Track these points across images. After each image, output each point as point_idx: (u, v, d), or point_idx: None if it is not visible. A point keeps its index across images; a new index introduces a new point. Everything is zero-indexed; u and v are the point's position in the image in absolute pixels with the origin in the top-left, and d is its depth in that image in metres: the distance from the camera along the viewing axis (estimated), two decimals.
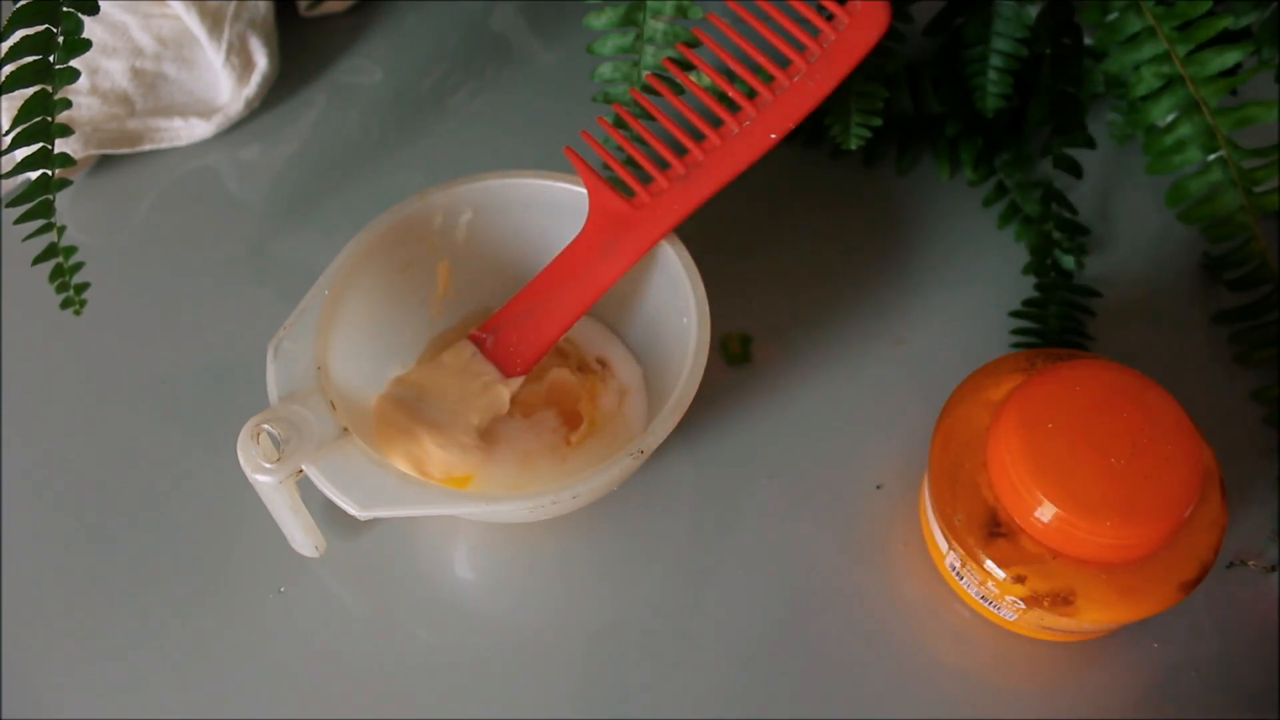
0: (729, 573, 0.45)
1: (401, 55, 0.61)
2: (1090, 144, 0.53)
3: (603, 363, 0.48)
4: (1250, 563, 0.45)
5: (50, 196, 0.44)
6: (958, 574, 0.42)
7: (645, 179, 0.44)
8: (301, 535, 0.41)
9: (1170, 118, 0.49)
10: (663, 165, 0.44)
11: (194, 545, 0.45)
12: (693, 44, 0.47)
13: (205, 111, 0.57)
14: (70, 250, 0.45)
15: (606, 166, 0.46)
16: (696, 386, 0.40)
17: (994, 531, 0.40)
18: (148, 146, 0.56)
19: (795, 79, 0.43)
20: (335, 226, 0.49)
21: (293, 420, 0.38)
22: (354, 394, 0.42)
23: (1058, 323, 0.50)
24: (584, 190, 0.44)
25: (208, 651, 0.43)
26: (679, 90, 0.47)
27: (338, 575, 0.45)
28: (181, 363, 0.50)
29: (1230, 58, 0.47)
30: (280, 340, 0.41)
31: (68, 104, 0.43)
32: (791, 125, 0.43)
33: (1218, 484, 0.41)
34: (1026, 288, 0.52)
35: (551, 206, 0.46)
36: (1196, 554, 0.39)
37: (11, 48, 0.41)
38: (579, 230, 0.44)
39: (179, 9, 0.56)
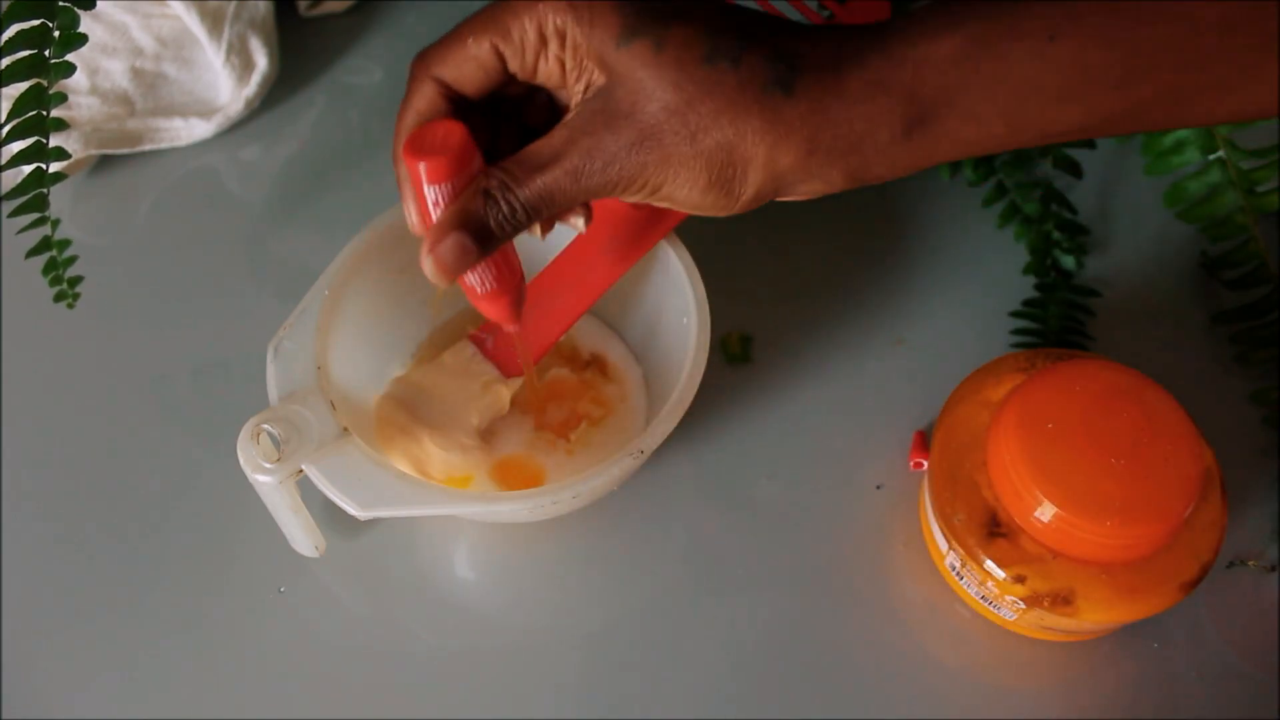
0: (728, 572, 0.45)
1: (401, 55, 0.61)
2: (1090, 144, 0.53)
3: (601, 361, 0.48)
4: (1250, 563, 0.45)
5: (44, 190, 0.44)
6: (958, 574, 0.42)
7: None
8: (301, 535, 0.41)
9: None
10: None
11: (194, 545, 0.45)
12: None
13: (205, 111, 0.57)
14: (64, 244, 0.45)
15: None
16: (696, 386, 0.40)
17: (994, 531, 0.40)
18: (148, 146, 0.56)
19: None
20: (335, 226, 0.49)
21: (293, 420, 0.38)
22: (354, 394, 0.42)
23: (1058, 323, 0.50)
24: None
25: (208, 650, 0.43)
26: None
27: (338, 575, 0.45)
28: (181, 362, 0.50)
29: None
30: (280, 340, 0.41)
31: (63, 98, 0.43)
32: None
33: (1218, 484, 0.41)
34: (1026, 288, 0.52)
35: None
36: (1196, 554, 0.39)
37: (7, 42, 0.41)
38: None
39: (179, 9, 0.56)
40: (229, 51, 0.57)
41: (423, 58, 0.35)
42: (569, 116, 0.33)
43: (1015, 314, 0.51)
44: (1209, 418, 0.41)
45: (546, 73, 0.34)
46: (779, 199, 0.34)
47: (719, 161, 0.32)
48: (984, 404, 0.43)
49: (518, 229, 0.34)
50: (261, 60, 0.57)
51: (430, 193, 0.34)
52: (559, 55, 0.33)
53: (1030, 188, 0.54)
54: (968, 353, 0.48)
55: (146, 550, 0.45)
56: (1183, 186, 0.51)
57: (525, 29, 0.33)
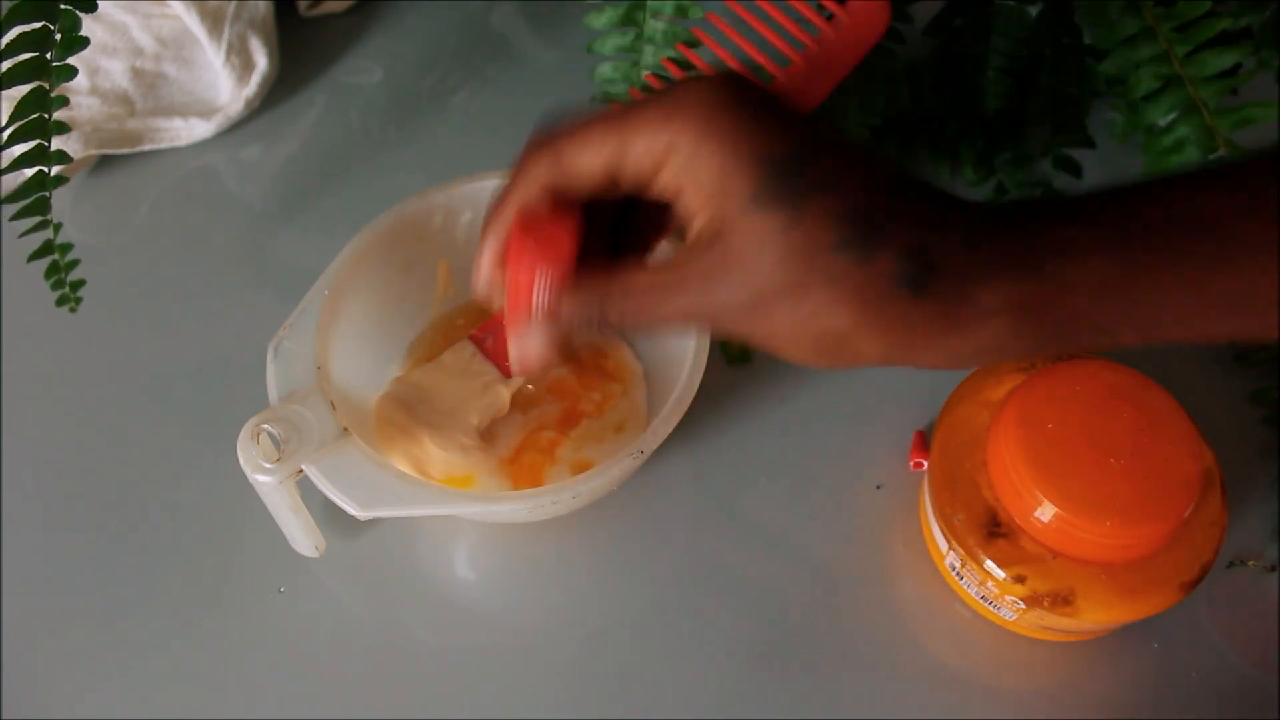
0: (728, 573, 0.45)
1: (401, 55, 0.61)
2: (1090, 144, 0.53)
3: (602, 360, 0.48)
4: (1250, 563, 0.45)
5: (46, 193, 0.44)
6: (958, 574, 0.42)
7: None
8: (301, 535, 0.41)
9: (1170, 118, 0.49)
10: None
11: (194, 545, 0.45)
12: (693, 44, 0.47)
13: (205, 111, 0.57)
14: (66, 247, 0.45)
15: None
16: (696, 386, 0.40)
17: (994, 531, 0.40)
18: (148, 146, 0.56)
19: (795, 79, 0.43)
20: (335, 226, 0.49)
21: (293, 420, 0.38)
22: (354, 394, 0.42)
23: None
24: None
25: (208, 651, 0.43)
26: None
27: (338, 575, 0.45)
28: (181, 362, 0.50)
29: (1229, 59, 0.47)
30: (280, 340, 0.41)
31: (65, 101, 0.43)
32: None
33: (1218, 484, 0.41)
34: None
35: None
36: (1196, 554, 0.39)
37: (8, 44, 0.41)
38: None
39: (179, 9, 0.56)
40: (229, 51, 0.57)
41: (549, 145, 0.32)
42: (679, 255, 0.31)
43: None
44: (1209, 418, 0.41)
45: (661, 186, 0.32)
46: None
47: (829, 346, 0.31)
48: (984, 404, 0.43)
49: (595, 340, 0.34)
50: (261, 60, 0.57)
51: (523, 277, 0.33)
52: (678, 177, 0.31)
53: (1030, 188, 0.54)
54: None
55: (146, 550, 0.45)
56: None
57: (651, 143, 0.31)
